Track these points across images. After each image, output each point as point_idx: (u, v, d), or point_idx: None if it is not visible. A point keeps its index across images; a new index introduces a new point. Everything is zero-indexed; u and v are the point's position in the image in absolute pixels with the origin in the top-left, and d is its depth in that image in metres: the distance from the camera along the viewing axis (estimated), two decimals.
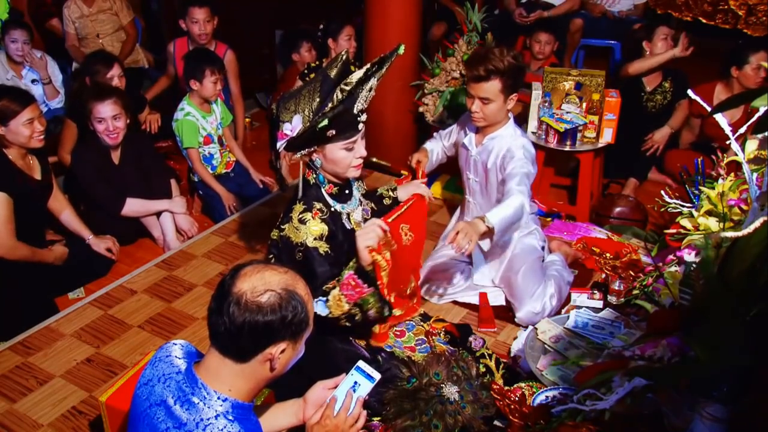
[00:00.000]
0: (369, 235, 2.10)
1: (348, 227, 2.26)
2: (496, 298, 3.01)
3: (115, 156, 3.53)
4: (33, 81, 4.31)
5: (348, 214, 2.28)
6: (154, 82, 4.68)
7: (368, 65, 2.09)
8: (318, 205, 2.18)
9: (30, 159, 3.16)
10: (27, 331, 2.90)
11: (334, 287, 2.14)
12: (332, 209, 2.23)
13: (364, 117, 2.13)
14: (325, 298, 2.14)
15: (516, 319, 2.87)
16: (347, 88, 2.01)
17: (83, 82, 3.70)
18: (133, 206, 3.54)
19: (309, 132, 2.06)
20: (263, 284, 1.44)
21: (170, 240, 3.61)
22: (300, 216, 2.14)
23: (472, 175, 2.98)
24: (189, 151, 3.87)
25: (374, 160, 4.22)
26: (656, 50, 4.07)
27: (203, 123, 3.89)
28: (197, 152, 3.89)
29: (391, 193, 2.63)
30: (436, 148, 3.10)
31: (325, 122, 2.01)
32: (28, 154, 3.14)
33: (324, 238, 2.14)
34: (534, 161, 2.79)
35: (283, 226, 2.16)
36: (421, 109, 4.04)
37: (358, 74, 2.04)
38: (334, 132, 2.07)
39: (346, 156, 2.15)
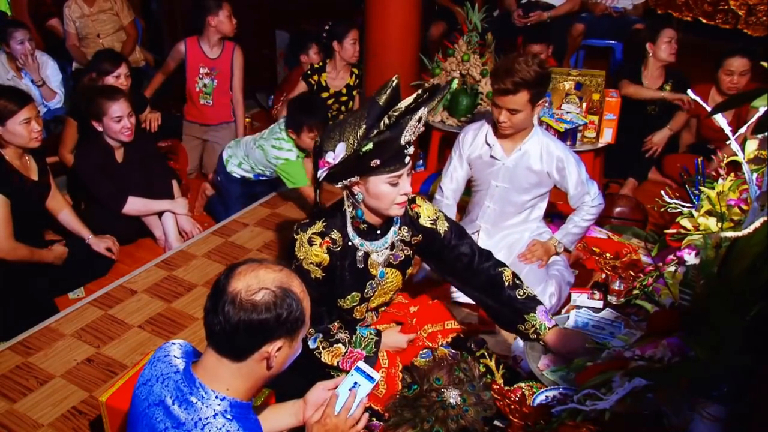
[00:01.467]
0: (398, 345, 2.29)
1: (359, 266, 2.12)
2: None
3: (119, 155, 3.54)
4: (33, 80, 4.32)
5: (366, 253, 2.13)
6: None
7: (419, 92, 1.96)
8: (335, 235, 2.07)
9: (27, 159, 3.16)
10: (27, 331, 2.90)
11: (341, 340, 2.16)
12: (349, 243, 2.09)
13: (411, 149, 1.98)
14: (320, 335, 2.15)
15: None
16: (395, 114, 1.89)
17: (89, 81, 3.70)
18: (134, 205, 3.54)
19: (352, 158, 1.91)
20: (258, 283, 1.43)
21: (172, 240, 3.62)
22: (311, 236, 2.05)
23: (501, 183, 2.92)
24: (303, 189, 3.72)
25: None
26: (659, 53, 4.08)
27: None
28: (311, 189, 3.66)
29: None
30: (453, 204, 3.04)
31: (370, 146, 1.85)
32: (24, 155, 3.13)
33: (321, 267, 2.06)
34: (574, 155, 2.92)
35: (299, 230, 2.08)
36: None
37: (407, 101, 1.93)
38: (378, 162, 1.91)
39: (390, 191, 1.98)
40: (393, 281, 2.24)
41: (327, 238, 2.05)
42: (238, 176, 3.88)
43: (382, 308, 2.37)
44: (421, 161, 4.30)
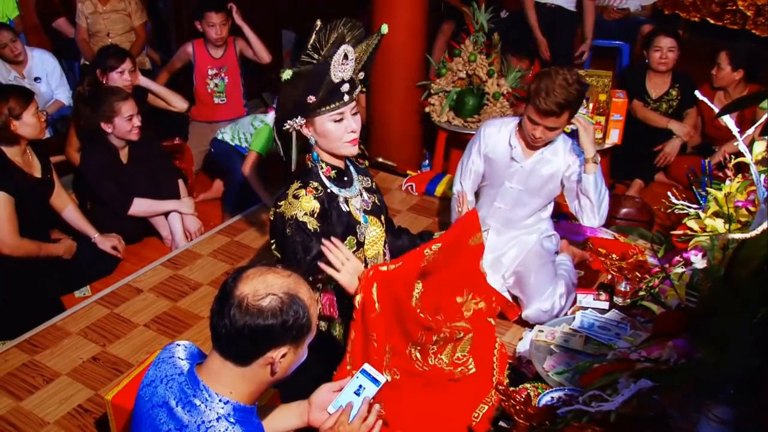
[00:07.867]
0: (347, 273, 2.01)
1: (344, 209, 2.19)
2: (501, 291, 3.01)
3: (124, 155, 3.54)
4: (36, 79, 4.33)
5: (346, 199, 2.21)
6: None
7: (318, 26, 2.04)
8: (314, 184, 2.14)
9: (30, 156, 3.17)
10: (34, 329, 2.91)
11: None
12: (328, 190, 2.17)
13: (347, 87, 2.07)
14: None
15: (523, 316, 2.88)
16: (318, 48, 1.99)
17: (89, 84, 3.70)
18: (140, 206, 3.54)
19: (287, 94, 2.00)
20: (265, 287, 1.43)
21: (179, 240, 3.63)
22: (295, 192, 2.11)
23: (515, 185, 2.92)
24: (253, 153, 3.87)
25: (380, 160, 4.22)
26: (650, 61, 4.04)
27: None
28: (259, 158, 3.89)
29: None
30: (473, 201, 3.06)
31: (289, 73, 1.92)
32: (27, 152, 3.15)
33: (315, 215, 2.09)
34: None
35: (279, 203, 2.12)
36: (427, 110, 4.04)
37: (332, 37, 2.02)
38: (313, 98, 2.02)
39: (335, 129, 2.10)
40: (375, 228, 2.30)
41: (309, 188, 2.12)
42: (222, 139, 4.09)
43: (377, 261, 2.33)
44: (426, 161, 4.30)
